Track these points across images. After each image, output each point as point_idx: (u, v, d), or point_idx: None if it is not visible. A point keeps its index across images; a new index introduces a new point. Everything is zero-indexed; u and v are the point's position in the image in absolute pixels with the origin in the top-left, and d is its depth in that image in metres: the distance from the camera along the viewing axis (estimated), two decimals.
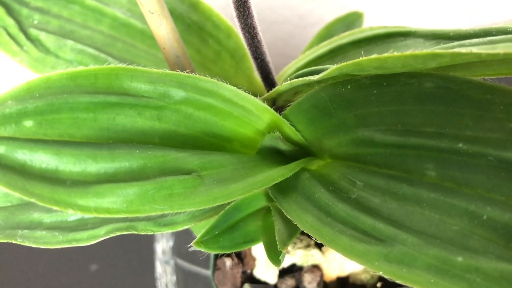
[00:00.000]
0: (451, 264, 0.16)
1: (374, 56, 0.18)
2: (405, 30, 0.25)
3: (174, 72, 0.21)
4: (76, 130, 0.19)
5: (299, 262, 0.30)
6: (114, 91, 0.20)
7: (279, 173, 0.22)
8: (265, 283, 0.30)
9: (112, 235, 0.24)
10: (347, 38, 0.27)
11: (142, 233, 0.24)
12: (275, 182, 0.21)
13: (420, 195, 0.18)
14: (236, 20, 0.23)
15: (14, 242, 0.24)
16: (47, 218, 0.25)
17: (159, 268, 0.40)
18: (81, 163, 0.18)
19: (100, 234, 0.24)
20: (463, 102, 0.18)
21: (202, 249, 0.23)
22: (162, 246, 0.41)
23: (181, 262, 0.41)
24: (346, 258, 0.29)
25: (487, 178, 0.17)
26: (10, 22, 0.31)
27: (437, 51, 0.17)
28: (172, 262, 0.40)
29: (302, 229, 0.20)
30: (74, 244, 0.24)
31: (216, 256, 0.31)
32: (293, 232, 0.22)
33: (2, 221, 0.25)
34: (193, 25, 0.32)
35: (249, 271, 0.31)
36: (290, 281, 0.30)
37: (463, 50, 0.16)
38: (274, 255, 0.22)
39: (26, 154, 0.18)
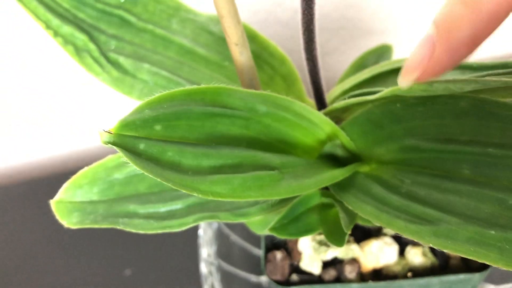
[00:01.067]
0: (486, 236, 0.21)
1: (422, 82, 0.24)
2: None
3: (259, 91, 0.27)
4: (190, 134, 0.25)
5: (340, 256, 0.35)
6: (217, 104, 0.25)
7: (340, 173, 0.27)
8: (310, 274, 0.35)
9: (200, 222, 0.29)
10: (386, 67, 0.32)
11: (223, 221, 0.29)
12: (337, 180, 0.27)
13: (459, 188, 0.24)
14: (302, 51, 0.29)
15: (117, 227, 0.29)
16: (141, 209, 0.30)
17: (204, 269, 0.45)
18: (197, 158, 0.24)
19: (189, 222, 0.29)
20: (491, 117, 0.24)
21: (275, 234, 0.28)
22: (207, 250, 0.46)
23: (222, 263, 0.46)
24: (381, 250, 0.34)
25: (511, 173, 0.23)
26: (92, 47, 0.37)
27: (473, 78, 0.23)
28: (216, 262, 0.45)
29: (363, 216, 0.25)
30: (167, 230, 0.29)
31: (267, 251, 0.36)
32: (352, 220, 0.27)
33: (104, 211, 0.30)
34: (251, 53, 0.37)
35: (296, 263, 0.36)
36: (332, 272, 0.35)
37: (494, 78, 0.22)
38: (335, 239, 0.27)
39: (159, 150, 0.23)
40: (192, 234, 0.46)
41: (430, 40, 0.19)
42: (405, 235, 0.23)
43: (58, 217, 0.29)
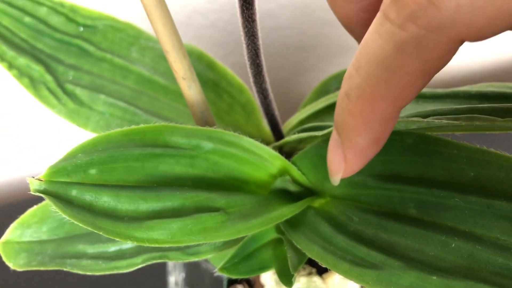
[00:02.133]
0: (427, 282, 0.21)
1: None
2: None
3: (205, 128, 0.26)
4: (129, 176, 0.24)
5: None
6: (158, 144, 0.25)
7: (289, 210, 0.27)
8: None
9: (148, 263, 0.28)
10: None
11: (173, 261, 0.28)
12: (287, 217, 0.26)
13: (404, 228, 0.23)
14: (252, 84, 0.29)
15: (64, 269, 0.28)
16: (90, 249, 0.29)
17: None
18: (134, 203, 0.23)
19: (138, 262, 0.28)
20: (435, 155, 0.23)
21: (225, 274, 0.27)
22: (175, 277, 0.45)
23: None
24: (344, 283, 0.33)
25: (455, 215, 0.22)
26: (48, 78, 0.36)
27: (416, 119, 0.22)
28: None
29: (310, 256, 0.25)
30: (115, 271, 0.28)
31: (229, 284, 0.36)
32: (302, 259, 0.26)
33: (52, 251, 0.29)
34: (209, 82, 0.37)
35: None
36: None
37: (436, 121, 0.21)
38: (286, 278, 0.26)
39: (93, 196, 0.22)
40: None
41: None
42: (349, 279, 0.22)
43: (4, 258, 0.29)
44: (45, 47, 0.37)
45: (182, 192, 0.25)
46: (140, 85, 0.38)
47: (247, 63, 0.27)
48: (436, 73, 0.17)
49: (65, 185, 0.22)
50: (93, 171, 0.23)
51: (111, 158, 0.23)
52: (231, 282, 0.36)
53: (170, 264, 0.45)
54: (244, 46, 0.26)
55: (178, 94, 0.38)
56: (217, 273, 0.27)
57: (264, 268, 0.29)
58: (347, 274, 0.23)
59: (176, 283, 0.44)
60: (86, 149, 0.23)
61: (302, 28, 0.62)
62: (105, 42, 0.38)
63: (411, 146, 0.24)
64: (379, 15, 0.16)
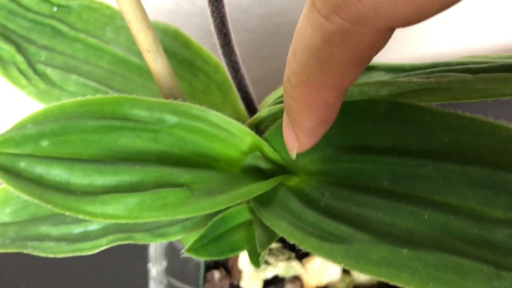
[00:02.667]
0: (398, 255, 0.19)
1: None
2: (369, 65, 0.29)
3: (168, 100, 0.25)
4: (84, 150, 0.22)
5: (281, 274, 0.33)
6: (117, 116, 0.23)
7: (259, 187, 0.25)
8: None
9: (113, 244, 0.27)
10: None
11: (139, 243, 0.27)
12: (256, 194, 0.25)
13: (376, 201, 0.22)
14: (221, 57, 0.27)
15: (24, 251, 0.27)
16: (54, 231, 0.28)
17: (153, 287, 0.43)
18: (89, 176, 0.22)
19: (102, 244, 0.27)
20: (408, 123, 0.21)
21: (192, 256, 0.26)
22: (156, 267, 0.43)
23: (174, 281, 0.44)
24: (324, 268, 0.32)
25: (429, 185, 0.20)
26: (19, 59, 0.35)
27: (385, 80, 0.21)
28: (165, 281, 0.43)
29: (278, 233, 0.23)
30: (78, 253, 0.27)
31: (206, 269, 0.34)
32: (272, 238, 0.25)
33: (14, 233, 0.28)
34: (184, 61, 0.36)
35: (236, 282, 0.34)
36: None
37: (405, 79, 0.20)
38: (255, 259, 0.25)
39: (43, 168, 0.21)
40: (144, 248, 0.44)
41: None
42: (317, 255, 0.21)
43: None
44: (17, 27, 0.36)
45: (142, 167, 0.23)
46: (114, 65, 0.36)
47: (214, 33, 0.25)
48: (372, 58, 0.16)
49: (12, 157, 0.21)
50: (44, 143, 0.21)
51: (64, 130, 0.22)
52: (208, 268, 0.34)
53: (151, 252, 0.43)
54: (209, 13, 0.24)
55: (152, 74, 0.37)
56: (184, 254, 0.26)
57: (236, 250, 0.27)
58: (315, 250, 0.21)
59: (158, 273, 0.43)
60: (37, 119, 0.21)
61: (295, 15, 0.61)
62: (80, 22, 0.37)
63: (383, 114, 0.22)
64: (308, 0, 0.15)
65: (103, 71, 0.36)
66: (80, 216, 0.20)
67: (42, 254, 0.27)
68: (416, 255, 0.19)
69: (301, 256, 0.33)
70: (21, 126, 0.21)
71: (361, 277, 0.32)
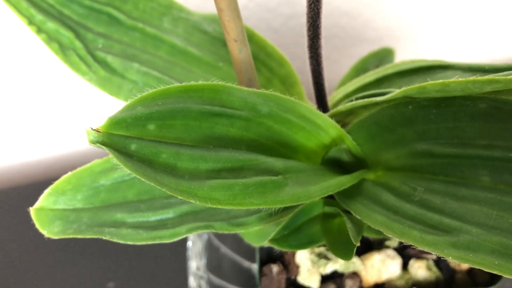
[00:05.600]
0: (511, 249, 0.19)
1: (438, 81, 0.22)
2: (444, 64, 0.29)
3: (261, 90, 0.25)
4: (187, 135, 0.22)
5: (340, 269, 0.33)
6: (215, 103, 0.23)
7: (347, 180, 0.25)
8: None
9: (193, 232, 0.26)
10: (391, 69, 0.31)
11: (219, 232, 0.27)
12: (344, 187, 0.25)
13: (478, 195, 0.22)
14: (306, 49, 0.27)
15: (103, 237, 0.27)
16: (129, 219, 0.28)
17: (193, 282, 0.42)
18: (194, 162, 0.22)
19: (182, 232, 0.26)
20: None
21: (275, 246, 0.26)
22: (196, 262, 0.43)
23: (212, 277, 0.43)
24: (383, 264, 0.32)
25: None
26: (78, 45, 0.34)
27: (495, 77, 0.21)
28: (206, 276, 0.43)
29: (373, 226, 0.23)
30: (157, 241, 0.26)
31: (262, 263, 0.34)
32: (360, 231, 0.25)
33: (88, 219, 0.27)
34: None
35: (293, 277, 0.34)
36: (332, 287, 0.33)
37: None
38: (342, 252, 0.25)
39: (152, 152, 0.21)
40: (180, 245, 0.43)
41: None
42: (421, 247, 0.21)
43: (38, 226, 0.27)
44: (73, 14, 0.35)
45: (241, 154, 0.23)
46: (172, 56, 0.36)
47: (306, 25, 0.26)
48: None
49: (123, 139, 0.20)
50: (151, 126, 0.21)
51: (170, 114, 0.22)
52: (264, 262, 0.34)
53: (191, 249, 0.43)
54: (306, 3, 0.24)
55: (211, 66, 0.36)
56: (267, 244, 0.26)
57: (313, 243, 0.28)
58: (418, 243, 0.21)
59: (198, 268, 0.43)
60: (146, 102, 0.21)
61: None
62: (136, 11, 0.37)
63: (483, 111, 0.23)
64: None
65: (162, 61, 0.36)
66: (192, 200, 0.20)
67: (121, 241, 0.26)
68: None
69: (360, 252, 0.34)
70: (131, 107, 0.21)
71: (418, 274, 0.33)
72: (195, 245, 0.44)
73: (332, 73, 0.64)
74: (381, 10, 0.58)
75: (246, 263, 0.46)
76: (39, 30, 0.34)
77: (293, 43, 0.64)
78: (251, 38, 0.35)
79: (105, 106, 0.37)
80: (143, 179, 0.20)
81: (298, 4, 0.59)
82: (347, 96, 0.32)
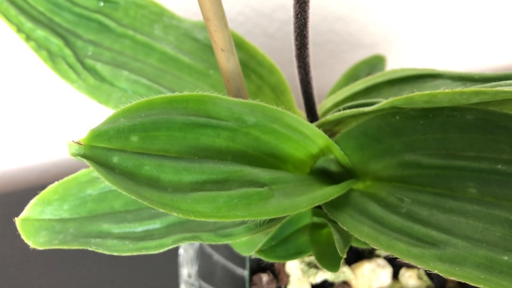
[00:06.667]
0: (498, 263, 0.19)
1: (426, 92, 0.22)
2: (434, 72, 0.29)
3: (247, 100, 0.25)
4: (171, 146, 0.22)
5: (330, 278, 0.33)
6: (201, 114, 0.23)
7: (334, 190, 0.25)
8: None
9: (179, 243, 0.26)
10: (381, 78, 0.30)
11: (206, 243, 0.26)
12: (332, 198, 0.25)
13: (465, 208, 0.22)
14: (294, 59, 0.27)
15: (88, 248, 0.26)
16: (115, 229, 0.27)
17: None
18: (177, 173, 0.21)
19: (168, 243, 0.26)
20: (500, 131, 0.22)
21: (263, 257, 0.26)
22: (188, 270, 0.43)
23: (203, 284, 0.43)
24: (374, 274, 0.32)
25: None
26: (67, 53, 0.34)
27: (482, 88, 0.21)
28: (197, 283, 0.42)
29: (359, 238, 0.23)
30: (143, 252, 0.26)
31: (252, 272, 0.34)
32: (347, 242, 0.25)
33: (74, 230, 0.27)
34: None
35: (283, 286, 0.33)
36: None
37: (505, 88, 0.20)
38: (329, 263, 0.25)
39: (135, 164, 0.21)
40: (172, 252, 0.43)
41: None
42: (407, 260, 0.21)
43: (23, 236, 0.27)
44: (63, 21, 0.35)
45: (226, 165, 0.23)
46: (163, 64, 0.36)
47: (293, 34, 0.25)
48: None
49: (106, 151, 0.20)
50: (134, 138, 0.21)
51: (153, 125, 0.22)
52: (254, 271, 0.34)
53: (183, 256, 0.43)
54: (293, 13, 0.24)
55: (202, 74, 0.36)
56: (254, 255, 0.26)
57: (301, 253, 0.27)
58: (405, 255, 0.21)
59: (189, 275, 0.43)
60: (129, 113, 0.21)
61: (313, 22, 0.61)
62: (127, 18, 0.37)
63: (471, 122, 0.22)
64: None
65: (152, 68, 0.36)
66: (174, 213, 0.20)
67: (106, 252, 0.26)
68: None
69: (350, 261, 0.33)
70: (114, 119, 0.21)
71: (409, 283, 0.32)
72: (186, 252, 0.43)
73: (327, 78, 0.64)
74: (376, 15, 0.58)
75: (238, 270, 0.45)
76: (28, 37, 0.33)
77: (288, 49, 0.64)
78: (241, 46, 0.35)
79: (96, 114, 0.37)
80: (124, 193, 0.20)
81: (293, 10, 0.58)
82: (337, 105, 0.31)
